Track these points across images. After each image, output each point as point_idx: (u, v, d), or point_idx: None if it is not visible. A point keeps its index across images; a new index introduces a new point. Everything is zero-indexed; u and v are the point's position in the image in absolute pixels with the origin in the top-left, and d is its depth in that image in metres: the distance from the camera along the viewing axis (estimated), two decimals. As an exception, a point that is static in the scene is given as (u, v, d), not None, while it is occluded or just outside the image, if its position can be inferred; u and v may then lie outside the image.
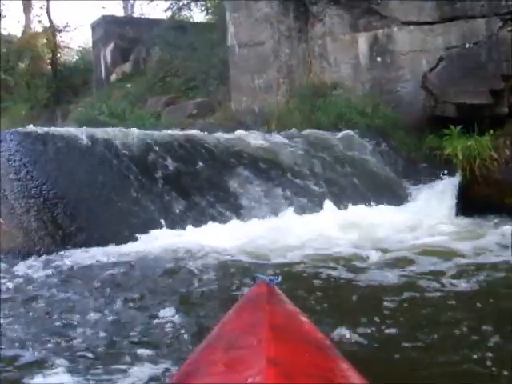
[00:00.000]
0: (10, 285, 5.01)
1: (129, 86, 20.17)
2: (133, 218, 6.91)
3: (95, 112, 16.09)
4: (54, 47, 26.43)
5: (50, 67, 26.65)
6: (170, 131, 9.19)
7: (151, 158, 7.78)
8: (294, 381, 1.29)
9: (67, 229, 6.52)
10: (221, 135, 9.13)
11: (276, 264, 5.44)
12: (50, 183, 6.97)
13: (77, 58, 28.99)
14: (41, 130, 7.50)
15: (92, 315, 4.03)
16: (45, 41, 26.98)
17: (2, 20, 29.07)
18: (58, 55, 26.80)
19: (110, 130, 8.24)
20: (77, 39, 44.43)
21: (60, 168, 7.26)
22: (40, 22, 27.80)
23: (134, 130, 8.20)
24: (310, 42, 14.54)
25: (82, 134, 7.55)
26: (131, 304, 4.35)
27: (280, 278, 2.31)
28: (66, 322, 3.95)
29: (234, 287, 4.68)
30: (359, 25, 13.46)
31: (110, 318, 3.99)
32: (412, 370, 3.03)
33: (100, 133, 7.82)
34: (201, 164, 8.03)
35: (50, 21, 26.87)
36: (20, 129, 7.79)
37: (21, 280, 5.20)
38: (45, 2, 27.03)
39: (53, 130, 7.85)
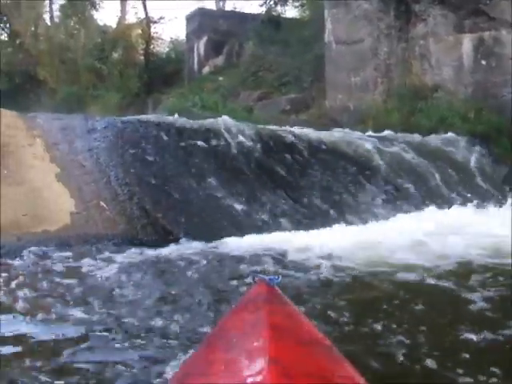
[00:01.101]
0: (108, 272, 4.91)
1: (221, 79, 20.23)
2: (239, 216, 6.76)
3: (188, 103, 16.12)
4: (148, 38, 26.84)
5: (142, 57, 27.06)
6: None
7: (266, 157, 7.67)
8: (294, 381, 1.29)
9: (169, 219, 6.42)
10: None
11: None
12: (153, 172, 6.94)
13: (168, 49, 29.33)
14: (155, 118, 7.48)
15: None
16: (139, 32, 27.43)
17: (98, 11, 29.94)
18: (151, 46, 27.19)
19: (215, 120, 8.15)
20: (169, 31, 45.17)
21: (165, 157, 7.19)
22: (136, 13, 28.29)
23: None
24: (410, 41, 14.10)
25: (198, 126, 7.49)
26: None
27: (280, 278, 2.22)
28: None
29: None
30: (464, 26, 12.94)
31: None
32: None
33: (208, 124, 7.75)
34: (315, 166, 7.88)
35: (146, 12, 27.30)
36: (138, 116, 7.82)
37: (121, 267, 5.09)
38: (142, -6, 27.45)
39: (163, 118, 7.82)
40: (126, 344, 3.20)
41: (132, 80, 25.18)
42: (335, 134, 9.25)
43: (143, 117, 7.74)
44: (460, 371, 2.80)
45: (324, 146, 8.44)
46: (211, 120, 8.20)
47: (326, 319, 3.59)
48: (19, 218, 5.82)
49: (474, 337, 3.22)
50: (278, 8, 23.15)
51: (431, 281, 4.58)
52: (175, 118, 8.34)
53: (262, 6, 22.77)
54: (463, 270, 4.96)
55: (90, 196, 6.40)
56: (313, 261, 5.27)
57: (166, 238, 6.10)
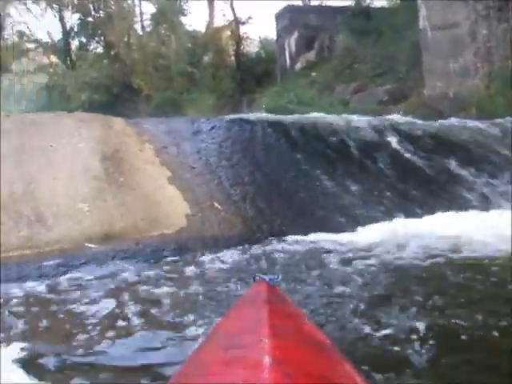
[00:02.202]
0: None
1: (314, 74, 20.12)
2: (352, 210, 6.65)
3: (284, 100, 16.13)
4: (238, 39, 27.07)
5: (233, 59, 27.33)
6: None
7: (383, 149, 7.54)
8: (295, 381, 1.24)
9: (284, 217, 6.37)
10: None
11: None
12: (264, 170, 6.93)
13: (257, 48, 29.46)
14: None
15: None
16: (229, 33, 27.72)
17: (186, 17, 30.47)
18: (242, 47, 27.40)
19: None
20: (257, 30, 45.42)
21: (275, 155, 7.18)
22: (224, 15, 28.59)
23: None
24: (511, 20, 13.55)
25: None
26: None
27: (280, 277, 2.21)
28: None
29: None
30: None
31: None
32: None
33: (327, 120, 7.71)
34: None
35: (234, 14, 27.53)
36: (243, 115, 7.86)
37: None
38: (229, -3, 27.69)
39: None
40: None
41: (224, 81, 25.48)
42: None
43: (250, 115, 7.72)
44: None
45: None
46: (318, 115, 8.16)
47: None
48: (137, 223, 5.92)
49: None
50: (368, -1, 22.86)
51: None
52: (283, 116, 8.33)
53: (351, -3, 22.51)
54: None
55: (203, 198, 6.43)
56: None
57: (281, 236, 6.04)
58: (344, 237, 5.98)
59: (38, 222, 5.69)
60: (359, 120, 8.62)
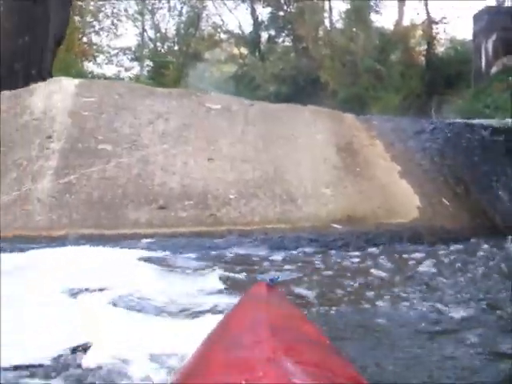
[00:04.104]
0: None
1: (511, 78, 19.70)
2: None
3: (479, 104, 16.06)
4: (430, 39, 26.93)
5: (423, 58, 27.24)
6: None
7: None
8: (294, 381, 1.24)
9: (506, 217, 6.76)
10: None
11: None
12: (485, 171, 7.33)
13: (445, 48, 29.01)
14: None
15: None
16: (420, 32, 27.65)
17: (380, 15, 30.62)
18: (433, 47, 27.24)
19: None
20: (449, 30, 44.59)
21: (495, 158, 7.54)
22: (418, 13, 28.47)
23: None
24: None
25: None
26: None
27: (280, 278, 2.27)
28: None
29: None
30: None
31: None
32: None
33: None
34: None
35: (427, 13, 27.39)
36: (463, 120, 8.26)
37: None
38: (424, -4, 27.58)
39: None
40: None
41: (413, 81, 25.46)
42: None
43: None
44: None
45: None
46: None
47: None
48: (375, 210, 6.58)
49: None
50: None
51: None
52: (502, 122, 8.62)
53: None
54: None
55: (431, 193, 6.98)
56: None
57: (504, 234, 6.42)
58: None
59: (290, 201, 6.51)
60: None
